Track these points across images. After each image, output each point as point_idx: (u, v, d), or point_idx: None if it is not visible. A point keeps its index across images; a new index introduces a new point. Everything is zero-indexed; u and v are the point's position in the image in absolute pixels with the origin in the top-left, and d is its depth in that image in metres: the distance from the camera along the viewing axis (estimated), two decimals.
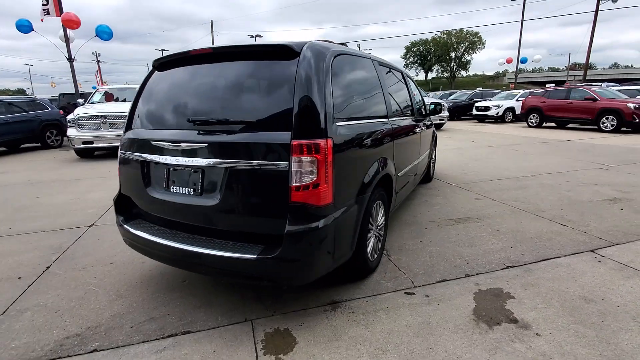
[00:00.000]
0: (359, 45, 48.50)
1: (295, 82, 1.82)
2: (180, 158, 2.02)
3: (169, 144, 2.05)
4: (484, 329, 2.00)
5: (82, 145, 7.73)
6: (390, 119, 2.85)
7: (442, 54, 62.23)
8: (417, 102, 4.18)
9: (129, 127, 2.45)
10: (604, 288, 2.37)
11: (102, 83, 27.43)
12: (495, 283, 2.48)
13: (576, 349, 1.82)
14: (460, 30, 59.08)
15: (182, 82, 2.22)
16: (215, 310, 2.23)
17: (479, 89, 22.95)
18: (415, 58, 65.83)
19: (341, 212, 1.97)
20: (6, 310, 2.29)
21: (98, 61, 38.51)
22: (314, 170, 1.77)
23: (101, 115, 7.72)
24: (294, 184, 1.77)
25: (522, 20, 28.93)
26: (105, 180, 6.02)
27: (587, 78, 27.85)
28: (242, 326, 2.09)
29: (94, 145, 7.79)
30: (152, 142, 2.15)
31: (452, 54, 62.56)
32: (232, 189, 1.88)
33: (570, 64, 59.68)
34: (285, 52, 1.92)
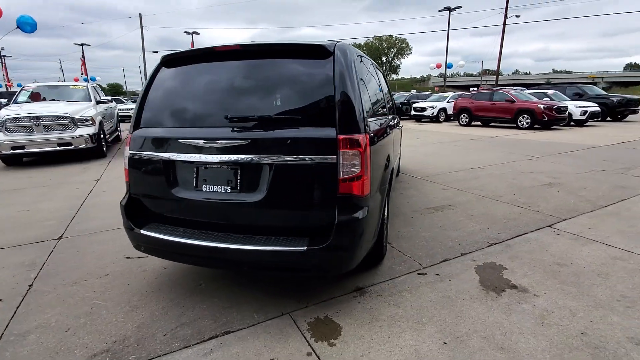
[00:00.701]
0: None
1: (334, 81, 1.93)
2: (216, 156, 1.98)
3: (203, 141, 2.00)
4: (494, 296, 2.32)
5: (11, 151, 6.66)
6: (389, 116, 3.09)
7: (375, 58, 65.78)
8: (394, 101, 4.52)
9: (137, 125, 2.30)
10: (569, 254, 2.89)
11: (8, 81, 23.52)
12: (488, 258, 2.86)
13: (568, 303, 2.22)
14: (390, 36, 63.16)
15: (206, 78, 2.17)
16: (247, 309, 2.22)
17: (414, 92, 24.82)
18: None
19: (372, 202, 2.13)
20: (1, 336, 1.99)
21: (3, 56, 32.58)
22: (357, 163, 1.90)
23: (34, 117, 6.73)
24: (341, 177, 1.87)
25: (448, 30, 31.80)
26: (52, 189, 5.32)
27: (498, 83, 31.80)
28: (281, 320, 2.12)
29: (25, 150, 6.76)
30: (179, 140, 2.06)
31: (384, 58, 66.49)
32: (278, 184, 1.92)
33: (482, 70, 67.52)
34: (319, 52, 2.01)
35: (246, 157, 1.93)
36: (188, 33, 31.28)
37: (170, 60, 2.32)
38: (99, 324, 2.10)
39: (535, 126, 12.80)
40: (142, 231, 2.20)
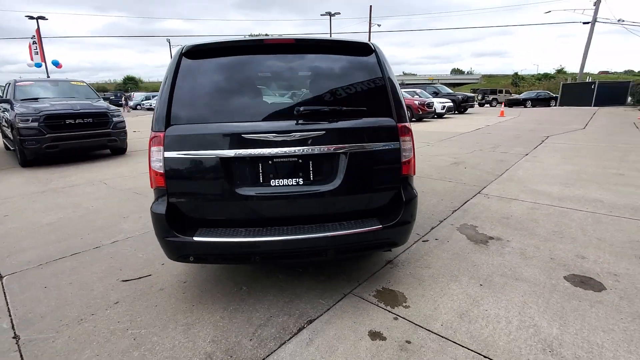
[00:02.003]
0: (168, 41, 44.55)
1: (383, 76, 2.17)
2: (288, 148, 1.96)
3: (274, 135, 1.95)
4: (484, 247, 2.98)
5: None
6: None
7: None
8: None
9: (167, 123, 2.02)
10: (505, 210, 3.86)
11: None
12: (459, 221, 3.57)
13: (529, 241, 3.05)
14: (266, 35, 63.73)
15: (252, 71, 2.09)
16: (309, 298, 2.28)
17: None
18: None
19: None
20: None
21: None
22: (410, 147, 2.20)
23: None
24: (403, 160, 2.15)
25: (330, 34, 34.05)
26: None
27: None
28: (348, 299, 2.27)
29: None
30: (243, 135, 1.94)
31: None
32: (353, 171, 2.05)
33: None
34: (364, 49, 2.21)
35: (323, 148, 2.00)
36: (32, 18, 24.69)
37: (197, 52, 2.12)
38: (164, 351, 1.84)
39: (412, 119, 15.30)
40: (195, 239, 1.99)
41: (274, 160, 2.01)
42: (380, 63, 2.21)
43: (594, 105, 24.44)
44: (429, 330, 1.95)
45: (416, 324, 2.01)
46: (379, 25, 34.93)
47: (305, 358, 1.77)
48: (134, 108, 32.78)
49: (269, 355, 1.80)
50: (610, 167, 5.79)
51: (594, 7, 25.48)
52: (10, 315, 2.14)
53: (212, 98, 2.10)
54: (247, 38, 2.13)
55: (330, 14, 28.32)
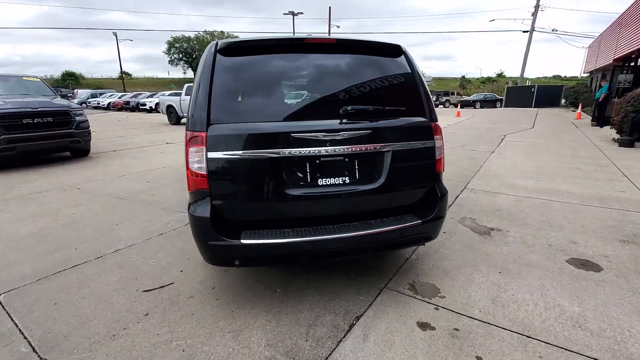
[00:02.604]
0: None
1: (414, 77, 2.27)
2: (336, 147, 1.97)
3: (323, 134, 1.94)
4: (489, 237, 3.21)
5: None
6: None
7: None
8: None
9: (207, 122, 1.93)
10: (494, 203, 4.16)
11: None
12: (458, 215, 3.79)
13: (525, 231, 3.33)
14: (222, 32, 61.69)
15: (293, 69, 2.06)
16: (347, 296, 2.30)
17: None
18: (180, 55, 63.25)
19: None
20: None
21: None
22: (441, 145, 2.32)
23: None
24: (437, 157, 2.25)
25: (294, 33, 33.81)
26: None
27: None
28: (385, 293, 2.33)
29: None
30: (292, 134, 1.91)
31: None
32: (394, 169, 2.10)
33: None
34: (395, 50, 2.28)
35: (369, 146, 2.03)
36: None
37: (233, 49, 2.05)
38: (219, 358, 1.76)
39: None
40: (242, 241, 1.92)
41: (321, 159, 2.01)
42: (411, 64, 2.30)
43: (534, 107, 26.95)
44: (471, 317, 2.08)
45: (457, 312, 2.13)
46: (338, 27, 35.54)
47: (367, 353, 1.80)
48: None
49: (330, 354, 1.80)
50: (567, 162, 6.47)
51: (532, 17, 28.19)
52: (26, 338, 1.91)
53: (252, 96, 2.05)
54: (287, 36, 2.10)
55: (293, 14, 28.24)
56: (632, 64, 13.14)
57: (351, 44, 2.19)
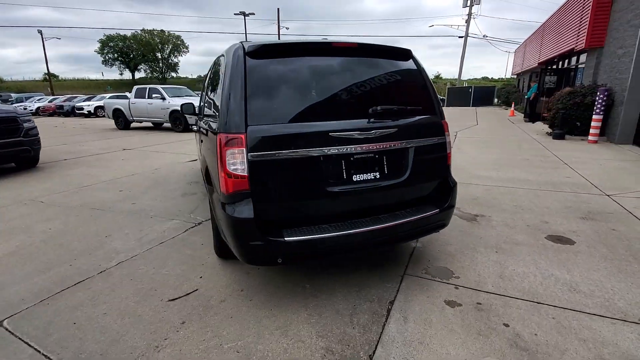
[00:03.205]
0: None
1: (424, 78, 2.48)
2: (368, 145, 2.10)
3: (358, 132, 2.05)
4: (476, 223, 3.56)
5: None
6: None
7: (147, 53, 59.22)
8: None
9: (245, 123, 1.94)
10: (469, 193, 4.59)
11: None
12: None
13: (506, 215, 3.75)
14: (162, 31, 58.42)
15: (319, 71, 2.15)
16: (374, 284, 2.44)
17: None
18: (116, 54, 58.53)
19: None
20: None
21: None
22: (450, 141, 2.56)
23: None
24: (448, 151, 2.49)
25: (246, 34, 32.88)
26: None
27: None
28: (408, 279, 2.51)
29: None
30: (330, 134, 1.99)
31: (158, 55, 60.97)
32: (416, 164, 2.28)
33: None
34: (405, 54, 2.47)
35: (397, 143, 2.19)
36: None
37: (261, 51, 2.09)
38: (279, 356, 1.79)
39: None
40: (286, 239, 1.97)
41: (356, 156, 2.13)
42: (419, 66, 2.51)
43: (472, 106, 29.47)
44: (487, 292, 2.34)
45: (474, 289, 2.38)
46: (287, 29, 35.61)
47: (411, 333, 1.96)
48: None
49: (380, 337, 1.93)
50: (516, 154, 7.28)
51: (466, 25, 30.86)
52: None
53: (284, 97, 2.10)
54: (313, 40, 2.18)
55: (244, 14, 27.66)
56: (555, 66, 15.05)
57: (369, 48, 2.33)
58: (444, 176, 2.52)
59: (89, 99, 23.22)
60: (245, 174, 1.95)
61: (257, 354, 1.81)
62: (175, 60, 62.90)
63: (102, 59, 58.27)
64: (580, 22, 10.45)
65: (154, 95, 12.63)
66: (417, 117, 2.38)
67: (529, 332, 1.95)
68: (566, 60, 13.87)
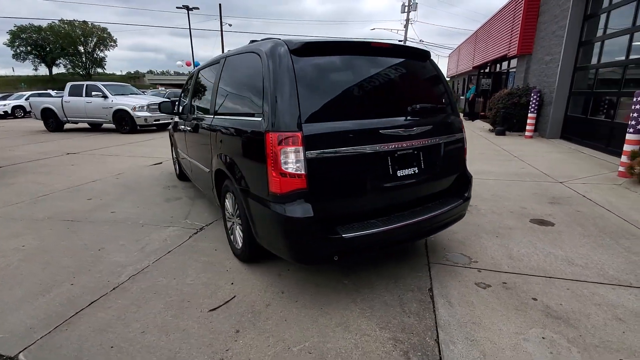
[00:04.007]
0: None
1: (441, 78, 2.65)
2: (410, 142, 2.19)
3: (402, 130, 2.13)
4: (469, 212, 3.88)
5: None
6: None
7: (68, 47, 52.81)
8: None
9: (299, 121, 1.91)
10: None
11: None
12: None
13: (490, 204, 4.14)
14: (85, 22, 52.54)
15: (360, 71, 2.19)
16: (406, 275, 2.56)
17: (172, 90, 23.39)
18: (29, 47, 51.24)
19: None
20: None
21: None
22: (466, 137, 2.77)
23: None
24: (466, 146, 2.69)
25: (190, 29, 30.86)
26: None
27: None
28: (435, 268, 2.67)
29: None
30: (381, 131, 2.04)
31: (81, 48, 54.73)
32: (446, 158, 2.44)
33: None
34: (425, 55, 2.61)
35: (432, 140, 2.32)
36: None
37: (304, 49, 2.07)
38: (351, 351, 1.80)
39: None
40: (343, 235, 1.98)
41: (399, 153, 2.21)
42: (437, 67, 2.68)
43: None
44: (506, 272, 2.59)
45: (494, 270, 2.61)
46: (230, 25, 34.46)
47: (461, 315, 2.10)
48: None
49: (436, 322, 2.04)
50: (472, 149, 7.99)
51: (405, 29, 32.90)
52: None
53: (330, 95, 2.10)
54: (353, 40, 2.21)
55: (187, 8, 26.00)
56: (489, 70, 16.78)
57: (400, 48, 2.43)
58: (463, 169, 2.73)
59: (3, 98, 20.08)
60: (303, 172, 1.92)
61: (330, 352, 1.81)
62: (102, 55, 57.13)
63: (13, 53, 50.71)
64: (512, 31, 11.80)
65: (93, 94, 11.39)
66: (444, 115, 2.54)
67: (555, 303, 2.22)
68: (498, 65, 15.53)
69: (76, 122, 12.22)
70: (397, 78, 2.38)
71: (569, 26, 8.59)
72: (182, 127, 4.04)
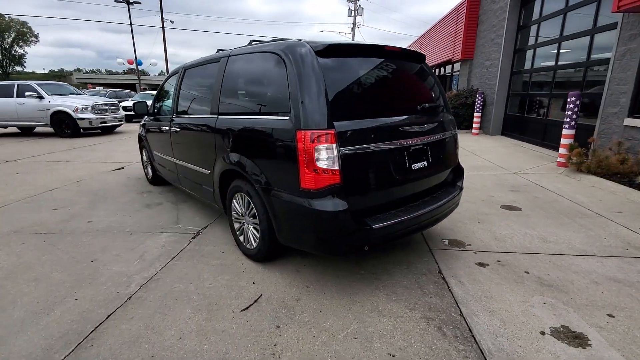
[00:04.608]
0: None
1: (436, 80, 2.91)
2: (423, 137, 2.40)
3: (418, 127, 2.32)
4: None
5: None
6: None
7: None
8: None
9: (329, 119, 2.00)
10: None
11: None
12: None
13: (463, 195, 4.56)
14: (1, 15, 45.96)
15: (377, 72, 2.33)
16: (416, 261, 2.76)
17: (113, 90, 21.50)
18: None
19: None
20: None
21: None
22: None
23: None
24: (458, 141, 2.98)
25: (131, 24, 28.42)
26: None
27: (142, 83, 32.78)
28: (436, 253, 2.91)
29: None
30: (400, 128, 2.20)
31: None
32: (449, 151, 2.70)
33: (136, 69, 65.43)
34: (421, 57, 2.85)
35: (437, 135, 2.55)
36: None
37: (328, 51, 2.16)
38: (392, 332, 1.94)
39: None
40: (374, 226, 2.11)
41: (413, 147, 2.39)
42: (430, 69, 2.93)
43: None
44: (496, 252, 2.92)
45: (487, 251, 2.93)
46: (172, 22, 32.69)
47: (473, 291, 2.35)
48: None
49: (455, 299, 2.26)
50: None
51: (352, 32, 34.06)
52: None
53: (353, 95, 2.21)
54: (369, 43, 2.34)
55: (128, 2, 23.95)
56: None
57: (406, 52, 2.61)
58: (458, 162, 3.01)
59: None
60: (337, 167, 2.01)
61: (374, 335, 1.93)
62: (21, 51, 50.53)
63: None
64: (455, 38, 12.89)
65: (26, 94, 10.14)
66: (443, 113, 2.79)
67: (544, 274, 2.57)
68: (443, 68, 16.81)
69: (5, 127, 10.77)
70: (405, 78, 2.58)
71: (506, 35, 9.65)
72: (165, 128, 3.85)
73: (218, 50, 3.50)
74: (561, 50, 7.66)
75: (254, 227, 2.64)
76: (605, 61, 6.15)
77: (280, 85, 2.21)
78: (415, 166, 2.44)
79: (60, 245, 3.06)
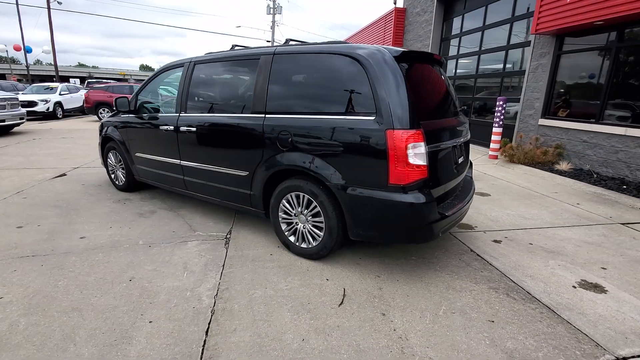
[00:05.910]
0: None
1: (448, 81, 3.34)
2: (463, 137, 2.76)
3: (459, 127, 2.67)
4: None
5: None
6: None
7: None
8: None
9: (415, 119, 2.20)
10: None
11: None
12: None
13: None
14: None
15: (431, 77, 2.60)
16: (446, 245, 3.15)
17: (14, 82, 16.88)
18: None
19: None
20: None
21: None
22: None
23: None
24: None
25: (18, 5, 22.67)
26: None
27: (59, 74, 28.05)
28: (460, 235, 3.34)
29: None
30: (457, 128, 2.52)
31: None
32: (469, 147, 3.12)
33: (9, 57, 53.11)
34: (442, 61, 3.23)
35: (467, 133, 2.94)
36: None
37: (402, 57, 2.35)
38: (476, 307, 2.24)
39: None
40: (447, 214, 2.39)
41: (457, 145, 2.74)
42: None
43: None
44: (499, 230, 3.51)
45: (493, 230, 3.50)
46: (60, 3, 27.71)
47: (508, 263, 2.82)
48: None
49: (500, 271, 2.69)
50: None
51: (272, 30, 33.83)
52: None
53: (426, 97, 2.49)
54: (425, 51, 2.59)
55: None
56: None
57: (440, 59, 2.94)
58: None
59: None
60: (425, 163, 2.23)
61: (465, 308, 2.21)
62: None
63: None
64: (383, 45, 14.07)
65: None
66: (464, 114, 3.23)
67: (543, 243, 3.22)
68: None
69: None
70: (445, 82, 2.92)
71: (432, 45, 10.99)
72: (165, 127, 3.48)
73: (233, 46, 3.34)
74: (480, 63, 9.14)
75: (314, 226, 2.67)
76: (520, 72, 7.62)
77: (361, 88, 2.31)
78: (459, 161, 2.81)
79: (68, 267, 2.57)
